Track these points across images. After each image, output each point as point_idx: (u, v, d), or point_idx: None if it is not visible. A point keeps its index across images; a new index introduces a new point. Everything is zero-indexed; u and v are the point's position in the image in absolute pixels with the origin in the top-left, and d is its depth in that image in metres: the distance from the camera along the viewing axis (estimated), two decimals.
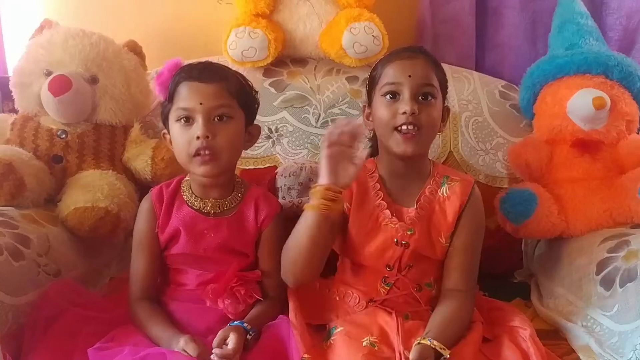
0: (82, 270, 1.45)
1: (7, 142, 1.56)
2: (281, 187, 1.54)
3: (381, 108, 1.26)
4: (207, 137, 1.23)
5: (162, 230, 1.30)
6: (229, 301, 1.22)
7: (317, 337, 1.21)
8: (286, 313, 1.25)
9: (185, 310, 1.26)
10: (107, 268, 1.55)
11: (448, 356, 1.10)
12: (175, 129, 1.26)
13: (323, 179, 1.17)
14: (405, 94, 1.23)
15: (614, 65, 1.62)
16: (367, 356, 1.10)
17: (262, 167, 1.73)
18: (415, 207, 1.28)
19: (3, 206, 1.40)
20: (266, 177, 1.57)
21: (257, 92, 1.36)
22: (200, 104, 1.23)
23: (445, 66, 1.81)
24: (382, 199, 1.28)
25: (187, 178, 1.34)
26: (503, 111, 1.82)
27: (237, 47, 1.75)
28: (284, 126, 1.76)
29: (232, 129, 1.27)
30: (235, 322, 1.20)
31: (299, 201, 1.49)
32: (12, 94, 1.62)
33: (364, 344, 1.14)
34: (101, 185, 1.49)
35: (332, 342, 1.17)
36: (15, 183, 1.40)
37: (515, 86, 1.87)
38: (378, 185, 1.30)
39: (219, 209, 1.31)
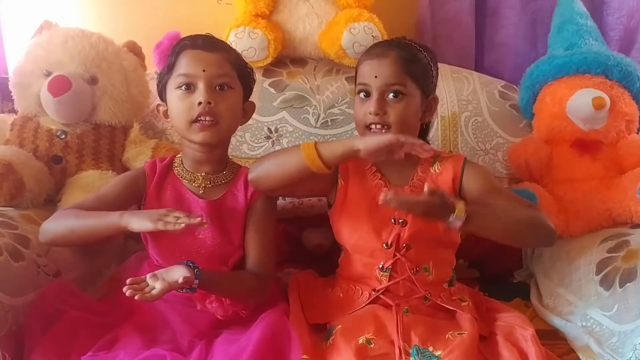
0: (81, 270, 1.44)
1: (6, 142, 1.57)
2: None
3: (356, 105, 1.31)
4: (210, 103, 1.23)
5: (149, 203, 1.29)
6: (217, 304, 1.21)
7: (318, 337, 1.22)
8: (281, 307, 1.25)
9: (175, 312, 1.25)
10: (107, 269, 1.54)
11: (461, 217, 1.12)
12: (175, 95, 1.26)
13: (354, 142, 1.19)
14: (374, 94, 1.27)
15: (614, 65, 1.62)
16: (358, 357, 1.10)
17: None
18: (409, 185, 1.31)
19: (2, 207, 1.40)
20: None
21: (252, 69, 1.38)
22: (203, 70, 1.24)
23: (445, 66, 1.82)
24: (379, 179, 1.31)
25: (179, 155, 1.36)
26: (503, 111, 1.81)
27: (237, 47, 1.73)
28: (284, 126, 1.76)
29: (232, 99, 1.28)
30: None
31: (299, 202, 1.49)
32: (12, 94, 1.62)
33: (360, 341, 1.14)
34: (100, 185, 1.48)
35: (331, 342, 1.17)
36: (14, 183, 1.40)
37: (514, 86, 1.87)
38: (374, 168, 1.33)
39: (210, 183, 1.31)
